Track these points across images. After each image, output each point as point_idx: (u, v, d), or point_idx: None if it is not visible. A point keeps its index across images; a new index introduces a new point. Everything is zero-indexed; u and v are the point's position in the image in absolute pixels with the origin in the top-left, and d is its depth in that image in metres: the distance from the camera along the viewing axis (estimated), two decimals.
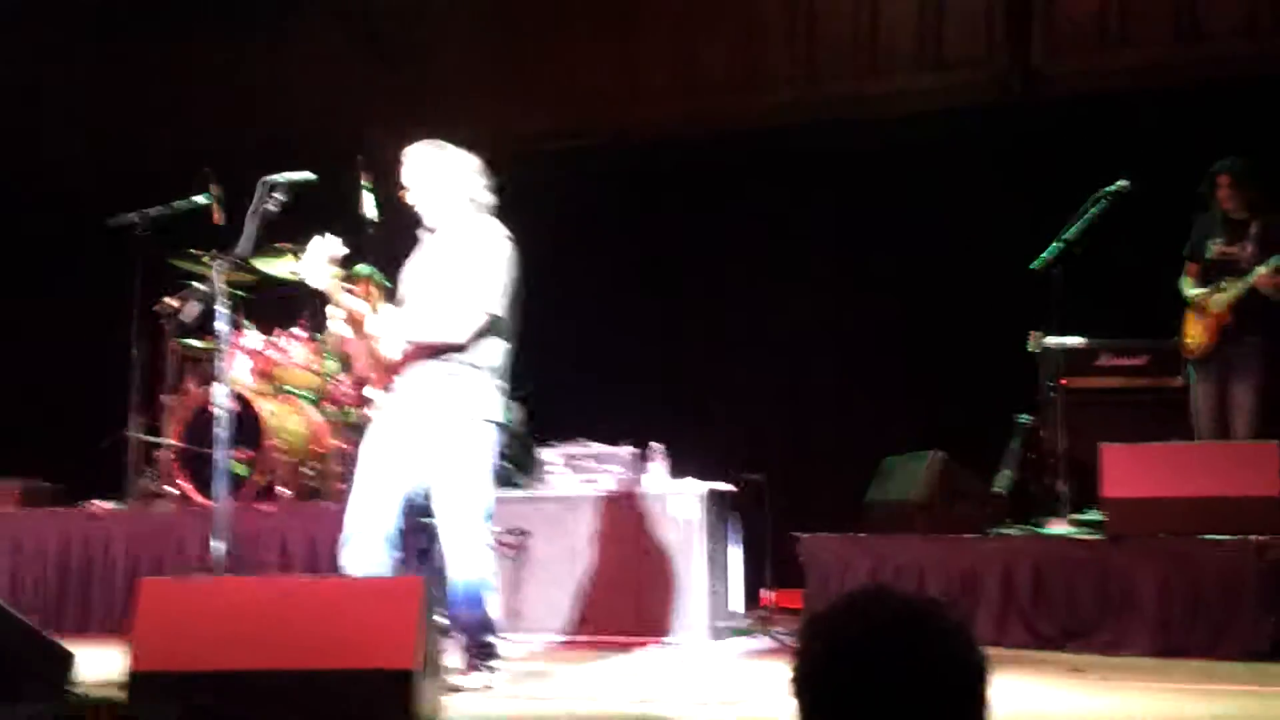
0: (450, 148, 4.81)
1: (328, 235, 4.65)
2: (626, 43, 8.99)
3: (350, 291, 4.80)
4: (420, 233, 4.83)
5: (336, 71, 9.22)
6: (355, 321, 4.70)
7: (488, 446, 4.62)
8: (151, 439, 6.79)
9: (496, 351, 4.68)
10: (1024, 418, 6.56)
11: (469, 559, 4.56)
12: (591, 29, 9.06)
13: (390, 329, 4.63)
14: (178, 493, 6.66)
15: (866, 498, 6.48)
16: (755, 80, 8.76)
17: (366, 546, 4.56)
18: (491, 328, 4.63)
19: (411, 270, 4.84)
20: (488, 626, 4.62)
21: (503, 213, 4.83)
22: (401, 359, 4.63)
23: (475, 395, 4.61)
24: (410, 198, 4.76)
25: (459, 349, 4.59)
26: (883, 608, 1.77)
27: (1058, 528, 5.96)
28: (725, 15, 8.84)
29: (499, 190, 4.84)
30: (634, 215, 8.47)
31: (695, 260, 8.40)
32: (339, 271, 4.66)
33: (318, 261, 4.62)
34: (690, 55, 8.86)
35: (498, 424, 4.67)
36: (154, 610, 3.78)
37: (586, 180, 8.51)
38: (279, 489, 6.62)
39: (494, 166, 4.91)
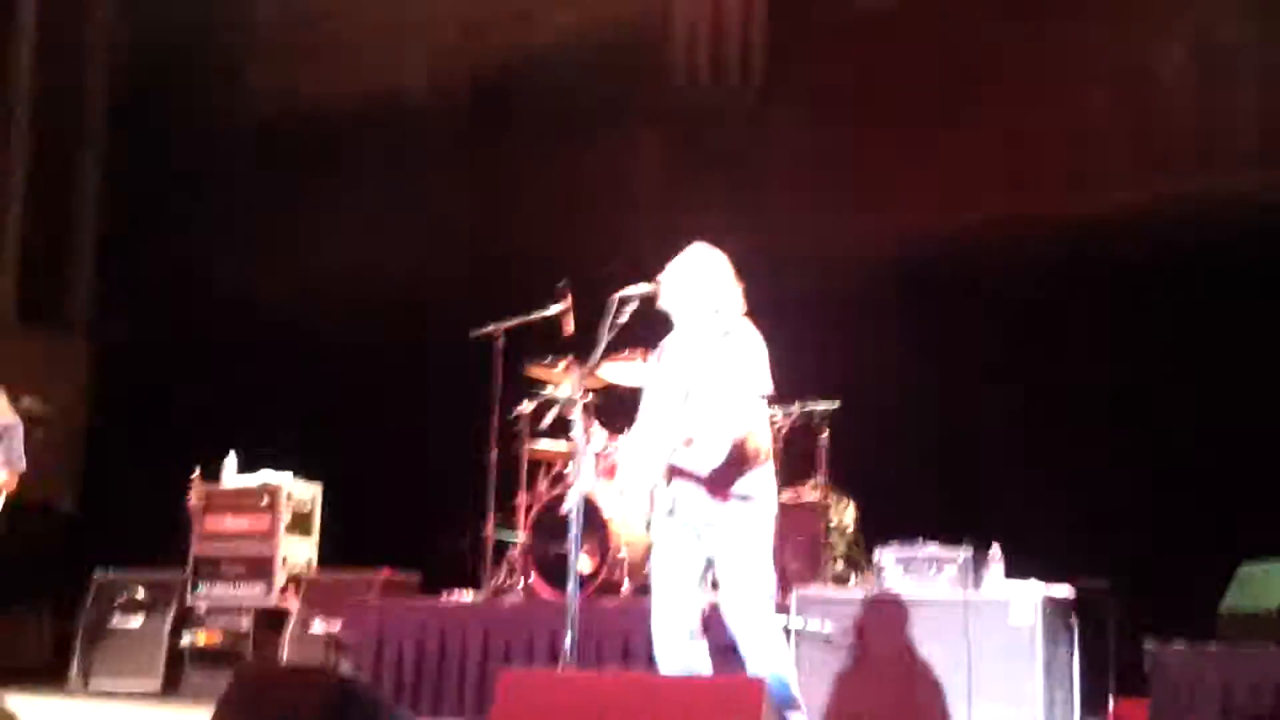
0: (715, 254, 4.89)
1: None
2: (950, 146, 8.99)
3: None
4: (665, 343, 4.95)
5: (668, 179, 9.58)
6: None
7: (766, 532, 4.71)
8: (506, 537, 7.20)
9: (766, 433, 4.75)
10: None
11: (763, 647, 4.64)
12: (915, 131, 9.11)
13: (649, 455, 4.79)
14: (528, 587, 7.03)
15: (1222, 606, 6.20)
16: (1086, 179, 8.63)
17: (674, 645, 4.72)
18: (761, 410, 4.71)
19: (664, 379, 4.92)
20: (794, 707, 4.68)
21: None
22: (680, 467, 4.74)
23: (751, 483, 4.69)
24: (661, 290, 4.85)
25: (745, 442, 4.63)
26: None
27: None
28: (1054, 115, 8.75)
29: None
30: (973, 312, 8.42)
31: (1033, 362, 8.26)
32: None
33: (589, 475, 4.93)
34: (1019, 157, 8.80)
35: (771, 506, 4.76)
36: (511, 698, 4.01)
37: (909, 281, 8.54)
38: (622, 585, 6.88)
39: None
